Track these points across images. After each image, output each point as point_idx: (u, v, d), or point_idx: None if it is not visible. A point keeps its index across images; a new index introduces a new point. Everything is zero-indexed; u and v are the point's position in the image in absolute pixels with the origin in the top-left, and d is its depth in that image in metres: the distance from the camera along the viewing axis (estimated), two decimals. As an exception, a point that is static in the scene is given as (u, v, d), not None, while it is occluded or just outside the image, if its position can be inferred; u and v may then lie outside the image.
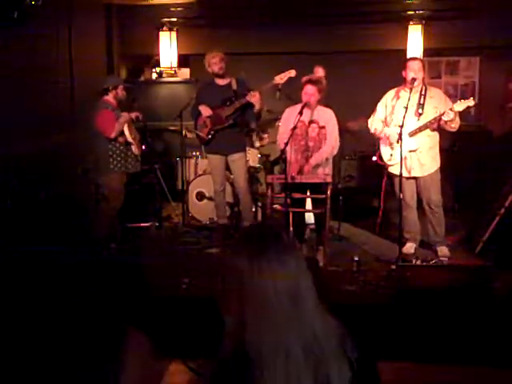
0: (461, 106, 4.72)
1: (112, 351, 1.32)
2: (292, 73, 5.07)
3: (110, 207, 5.20)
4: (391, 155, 4.99)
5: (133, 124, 5.27)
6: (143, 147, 6.46)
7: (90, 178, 5.46)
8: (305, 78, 4.89)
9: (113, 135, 5.03)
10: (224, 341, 1.29)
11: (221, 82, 5.43)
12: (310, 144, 4.89)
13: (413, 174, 4.97)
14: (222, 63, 5.32)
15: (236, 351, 1.25)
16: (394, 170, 4.86)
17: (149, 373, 1.39)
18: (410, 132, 4.87)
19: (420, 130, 4.86)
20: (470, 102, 4.73)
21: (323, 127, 4.87)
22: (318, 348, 1.24)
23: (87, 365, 1.30)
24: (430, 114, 4.86)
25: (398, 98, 5.02)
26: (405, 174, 4.94)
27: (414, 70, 4.82)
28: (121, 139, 5.09)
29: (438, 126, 4.88)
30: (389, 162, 5.04)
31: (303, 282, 1.30)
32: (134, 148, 5.17)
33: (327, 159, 4.93)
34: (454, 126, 4.82)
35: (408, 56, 6.65)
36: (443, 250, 5.05)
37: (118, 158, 5.12)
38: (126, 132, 5.08)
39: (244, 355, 1.23)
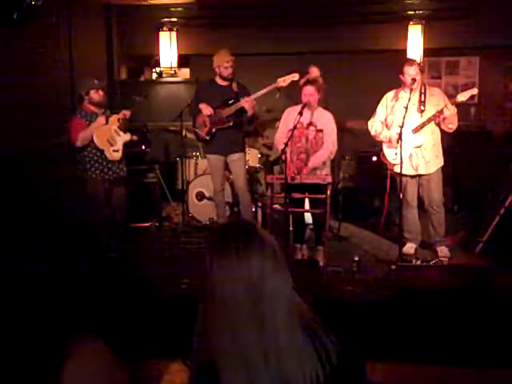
0: (464, 95, 4.73)
1: (58, 357, 1.30)
2: (295, 76, 5.05)
3: (92, 213, 5.12)
4: (396, 154, 4.98)
5: (123, 124, 5.05)
6: (143, 147, 6.46)
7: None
8: (302, 80, 4.90)
9: (78, 144, 4.90)
10: (193, 347, 1.24)
11: (222, 82, 5.43)
12: (307, 146, 4.89)
13: (419, 172, 4.98)
14: (232, 68, 5.31)
15: (199, 359, 1.21)
16: (399, 169, 4.86)
17: (108, 379, 1.37)
18: (414, 128, 4.89)
19: (424, 125, 4.88)
20: (474, 91, 4.75)
21: (321, 130, 4.87)
22: (280, 353, 1.18)
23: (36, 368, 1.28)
24: (431, 110, 4.89)
25: (398, 99, 5.04)
26: (411, 172, 4.96)
27: (411, 75, 4.85)
28: (93, 144, 4.95)
29: (438, 123, 4.90)
30: (393, 162, 5.03)
31: (268, 284, 1.20)
32: (107, 153, 4.97)
33: (324, 163, 4.93)
34: (452, 126, 4.83)
35: (408, 56, 6.65)
36: (443, 250, 5.06)
37: (96, 165, 4.98)
38: (95, 138, 4.92)
39: (205, 364, 1.19)
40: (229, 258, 1.21)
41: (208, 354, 1.20)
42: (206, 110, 5.39)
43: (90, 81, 5.07)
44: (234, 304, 1.19)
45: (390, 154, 5.08)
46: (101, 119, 4.97)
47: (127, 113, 5.11)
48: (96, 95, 4.99)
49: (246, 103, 5.19)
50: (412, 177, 5.02)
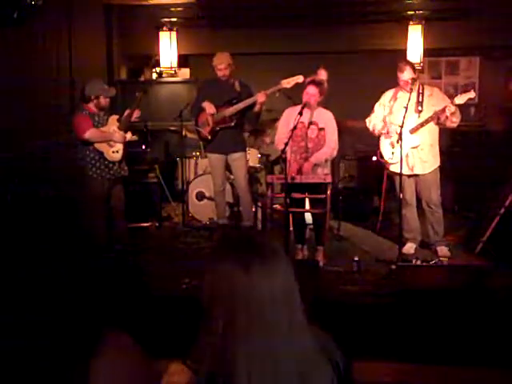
0: (462, 98, 4.72)
1: (84, 353, 1.29)
2: (300, 78, 5.03)
3: (91, 213, 5.10)
4: (392, 153, 5.00)
5: (123, 124, 5.02)
6: (143, 147, 6.46)
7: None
8: (308, 79, 4.90)
9: (85, 136, 4.84)
10: (205, 357, 1.22)
11: (225, 81, 5.43)
12: (310, 145, 4.89)
13: (415, 172, 4.99)
14: (227, 70, 5.32)
15: (219, 367, 1.19)
16: (395, 168, 4.88)
17: (138, 374, 1.37)
18: (411, 129, 4.89)
19: (421, 125, 4.89)
20: (471, 94, 4.74)
21: (322, 129, 4.88)
22: (307, 358, 1.20)
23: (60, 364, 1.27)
24: (429, 111, 4.90)
25: (396, 99, 5.06)
26: (407, 172, 4.96)
27: (405, 79, 4.89)
28: (92, 146, 4.92)
29: (437, 122, 4.90)
30: (390, 161, 5.05)
31: (296, 288, 1.25)
32: (106, 155, 4.94)
33: (326, 160, 4.94)
34: (456, 120, 4.83)
35: (407, 57, 6.66)
36: (443, 250, 5.06)
37: (98, 164, 4.94)
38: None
39: (227, 370, 1.18)
40: (266, 266, 1.22)
41: (227, 361, 1.18)
42: (209, 108, 5.38)
43: (101, 85, 5.04)
44: (270, 310, 1.19)
45: (386, 154, 5.10)
46: (118, 135, 4.95)
47: (137, 113, 5.08)
48: (104, 101, 4.98)
49: (262, 97, 5.18)
50: (409, 176, 5.03)
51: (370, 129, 5.17)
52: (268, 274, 1.22)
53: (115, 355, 1.35)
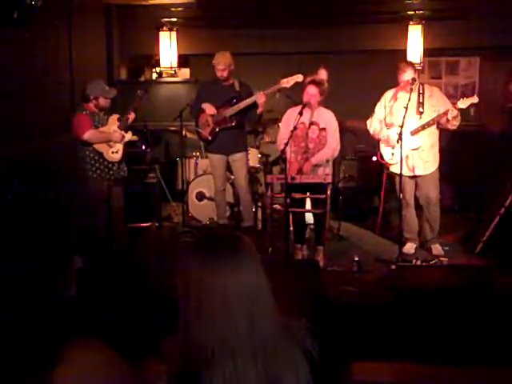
0: (465, 103, 4.74)
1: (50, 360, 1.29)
2: (299, 77, 5.04)
3: (92, 213, 5.10)
4: (392, 154, 5.01)
5: (123, 124, 5.04)
6: (143, 147, 6.45)
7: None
8: (308, 79, 4.90)
9: (85, 137, 4.85)
10: (175, 355, 1.24)
11: (224, 81, 5.43)
12: (310, 146, 4.89)
13: (416, 173, 5.00)
14: (225, 71, 5.30)
15: (184, 361, 1.21)
16: (396, 169, 4.89)
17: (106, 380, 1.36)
18: (412, 131, 4.90)
19: (423, 128, 4.89)
20: (474, 99, 4.76)
21: (323, 129, 4.88)
22: (269, 349, 1.21)
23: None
24: (429, 112, 4.90)
25: (396, 99, 5.06)
26: (407, 173, 4.97)
27: (406, 80, 4.88)
28: (91, 147, 4.93)
29: (438, 125, 4.91)
30: (390, 162, 5.06)
31: (265, 282, 1.27)
32: (106, 156, 4.96)
33: (328, 160, 4.94)
34: (456, 123, 4.86)
35: (408, 58, 6.65)
36: (437, 248, 5.13)
37: (97, 164, 4.96)
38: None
39: (193, 367, 1.19)
40: (222, 264, 1.24)
41: (195, 355, 1.20)
42: (209, 109, 5.38)
43: (102, 85, 5.03)
44: (223, 305, 1.21)
45: (386, 154, 5.10)
46: (117, 135, 4.96)
47: (132, 116, 5.08)
48: (104, 102, 4.99)
49: (261, 98, 5.17)
50: (410, 177, 5.03)
51: (371, 131, 5.17)
52: (235, 270, 1.23)
53: (79, 365, 1.36)
